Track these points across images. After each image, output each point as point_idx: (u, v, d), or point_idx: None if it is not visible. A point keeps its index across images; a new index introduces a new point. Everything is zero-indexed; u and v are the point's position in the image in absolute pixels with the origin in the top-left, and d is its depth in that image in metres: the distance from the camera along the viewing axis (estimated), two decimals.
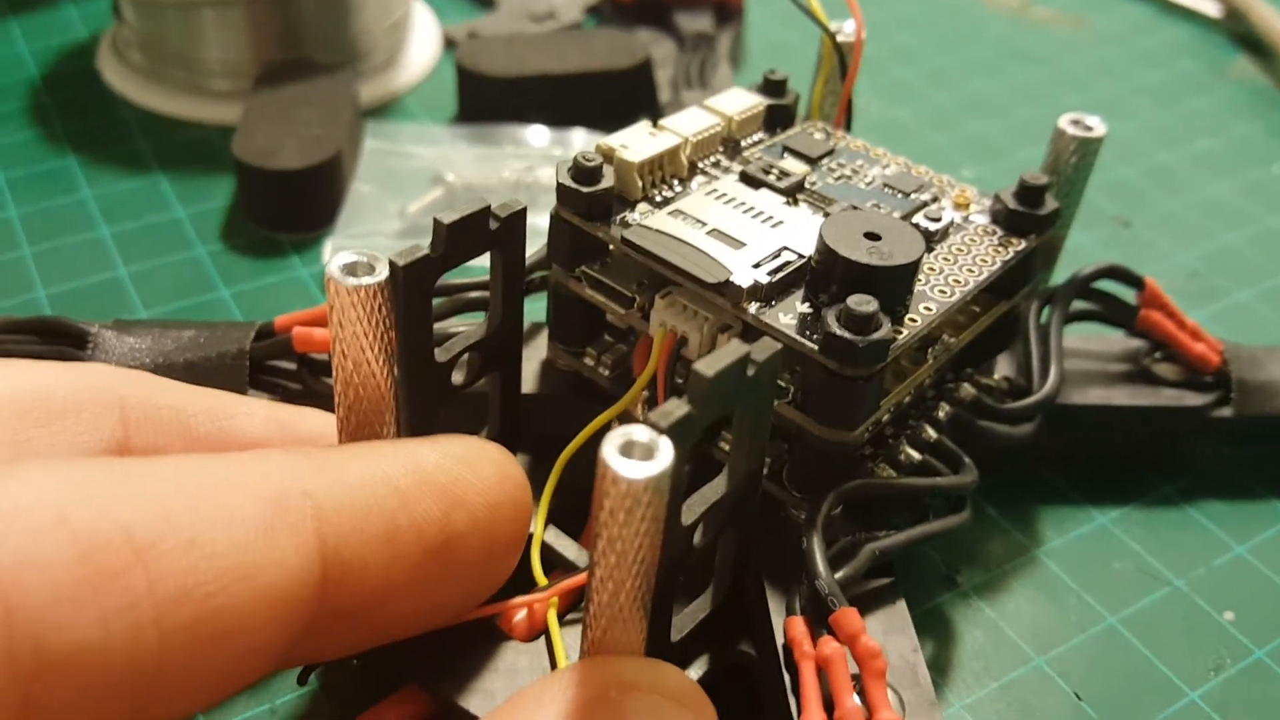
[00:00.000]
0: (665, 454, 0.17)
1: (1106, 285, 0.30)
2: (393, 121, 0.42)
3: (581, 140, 0.41)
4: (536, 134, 0.41)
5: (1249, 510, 0.30)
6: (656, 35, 0.45)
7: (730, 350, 0.18)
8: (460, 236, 0.21)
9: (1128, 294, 0.30)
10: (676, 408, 0.17)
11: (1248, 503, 0.30)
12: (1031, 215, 0.25)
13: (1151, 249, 0.39)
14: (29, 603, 0.14)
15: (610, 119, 0.42)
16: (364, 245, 0.35)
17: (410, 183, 0.38)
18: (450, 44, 0.47)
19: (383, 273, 0.20)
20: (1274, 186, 0.44)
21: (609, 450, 0.17)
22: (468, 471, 0.19)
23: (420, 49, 0.47)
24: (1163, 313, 0.29)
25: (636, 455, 0.17)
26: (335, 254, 0.20)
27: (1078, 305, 0.29)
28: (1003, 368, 0.28)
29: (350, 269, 0.20)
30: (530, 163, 0.39)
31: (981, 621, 0.26)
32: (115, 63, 0.44)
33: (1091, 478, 0.30)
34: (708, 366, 0.18)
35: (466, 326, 0.26)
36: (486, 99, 0.42)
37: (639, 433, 0.17)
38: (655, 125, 0.27)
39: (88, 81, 0.44)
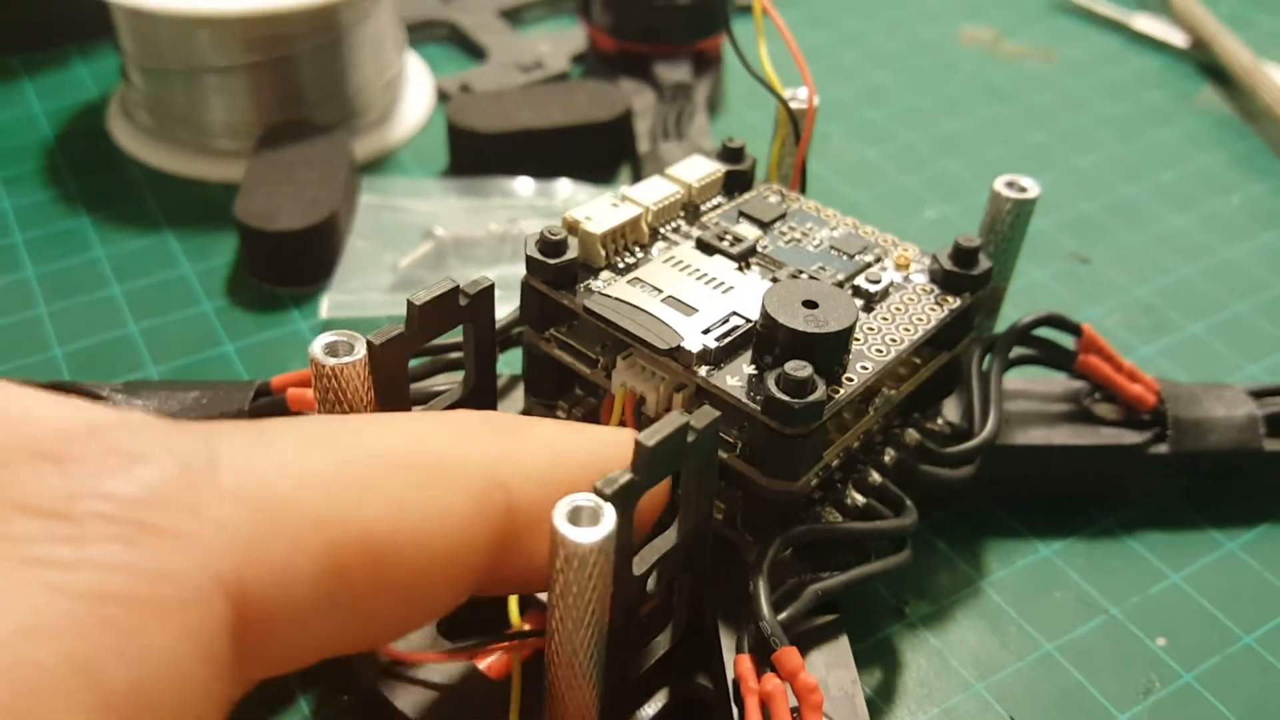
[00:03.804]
0: (609, 519, 0.19)
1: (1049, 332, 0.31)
2: (387, 176, 0.45)
3: (566, 190, 0.43)
4: (523, 185, 0.43)
5: (1185, 540, 0.31)
6: (638, 85, 0.48)
7: (670, 420, 0.20)
8: (432, 314, 0.23)
9: (1069, 339, 0.32)
10: (620, 476, 0.20)
11: (1185, 533, 0.32)
12: (966, 275, 0.27)
13: (1108, 284, 0.41)
14: (284, 616, 0.15)
15: (593, 169, 0.45)
16: (359, 300, 0.38)
17: (403, 237, 0.40)
18: (444, 96, 0.50)
19: (360, 351, 0.22)
20: (1232, 217, 0.46)
21: (558, 517, 0.19)
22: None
23: (414, 103, 0.49)
24: (1100, 356, 0.31)
25: (584, 520, 0.19)
26: (316, 336, 0.22)
27: (1021, 351, 0.31)
28: (951, 411, 0.30)
29: (331, 349, 0.22)
30: (516, 214, 0.42)
31: (926, 650, 0.28)
32: (124, 123, 0.47)
33: (1036, 512, 0.32)
34: (649, 437, 0.20)
35: (448, 385, 0.29)
36: (475, 153, 0.44)
37: (584, 499, 0.19)
38: (620, 196, 0.29)
39: (98, 141, 0.47)
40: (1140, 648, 0.28)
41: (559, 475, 0.20)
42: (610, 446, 0.22)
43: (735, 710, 0.23)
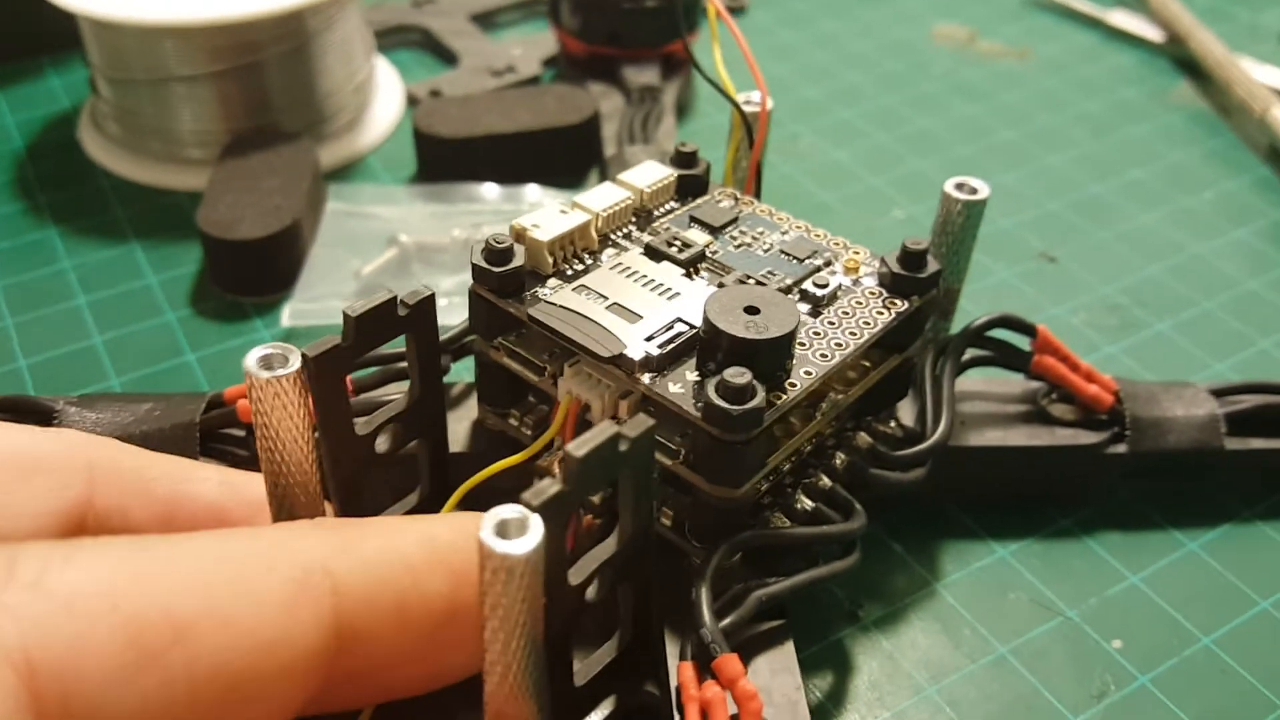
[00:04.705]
0: (535, 530, 0.19)
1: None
2: (354, 183, 0.45)
3: (534, 195, 0.43)
4: (490, 190, 0.43)
5: (1145, 541, 0.31)
6: (607, 89, 0.47)
7: (601, 431, 0.20)
8: (369, 326, 0.23)
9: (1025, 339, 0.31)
10: (548, 487, 0.20)
11: (1144, 533, 0.32)
12: (913, 278, 0.27)
13: (1075, 283, 0.41)
14: (83, 686, 0.16)
15: (560, 173, 0.44)
16: (321, 308, 0.38)
17: (368, 243, 0.40)
18: (414, 102, 0.50)
19: (295, 363, 0.22)
20: (1203, 214, 0.45)
21: (485, 529, 0.19)
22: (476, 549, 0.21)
23: (384, 108, 0.49)
24: (1055, 357, 0.31)
25: (512, 532, 0.19)
26: (251, 349, 0.22)
27: (976, 352, 0.31)
28: (906, 414, 0.30)
29: (266, 362, 0.22)
30: (482, 220, 0.42)
31: (878, 653, 0.28)
32: (94, 133, 0.47)
33: (994, 512, 0.32)
34: (577, 448, 0.20)
35: (399, 394, 0.29)
36: (443, 159, 0.44)
37: (510, 511, 0.19)
38: (569, 203, 0.29)
39: (69, 151, 0.47)
40: (1096, 650, 0.28)
41: (390, 559, 0.20)
42: (447, 530, 0.22)
43: (677, 718, 0.23)
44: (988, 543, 0.31)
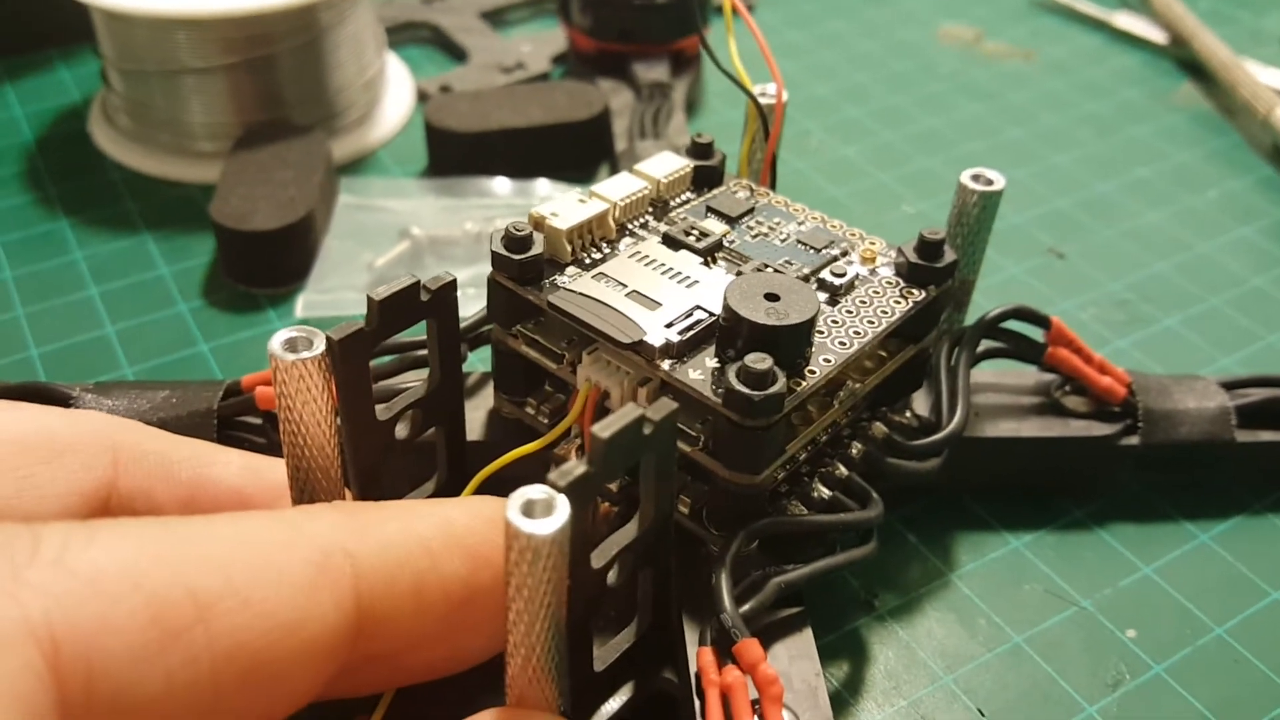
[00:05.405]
0: (562, 511, 0.19)
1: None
2: (366, 176, 0.45)
3: (544, 189, 0.44)
4: (501, 185, 0.44)
5: (1158, 532, 0.32)
6: (617, 85, 0.48)
7: (626, 413, 0.20)
8: (393, 310, 0.24)
9: (1040, 332, 0.32)
10: (574, 468, 0.20)
11: (1157, 525, 0.32)
12: (930, 268, 0.27)
13: (1084, 279, 0.41)
14: (107, 665, 0.16)
15: (571, 168, 0.45)
16: (334, 300, 0.38)
17: (380, 237, 0.41)
18: (424, 97, 0.50)
19: (320, 347, 0.22)
20: (1208, 212, 0.46)
21: (512, 510, 0.19)
22: (494, 532, 0.21)
23: (394, 104, 0.49)
24: (1069, 349, 0.31)
25: (538, 513, 0.19)
26: (276, 332, 0.22)
27: (990, 344, 0.31)
28: (921, 405, 0.30)
29: (290, 345, 0.22)
30: (493, 213, 0.42)
31: (895, 643, 0.28)
32: (105, 126, 0.47)
33: (1008, 503, 0.32)
34: (603, 429, 0.20)
35: (416, 382, 0.29)
36: (454, 154, 0.44)
37: (536, 492, 0.19)
38: (587, 192, 0.29)
39: (79, 143, 0.47)
40: (1110, 639, 0.28)
41: (408, 542, 0.20)
42: (463, 513, 0.22)
43: (698, 703, 0.23)
44: (1001, 534, 0.31)
